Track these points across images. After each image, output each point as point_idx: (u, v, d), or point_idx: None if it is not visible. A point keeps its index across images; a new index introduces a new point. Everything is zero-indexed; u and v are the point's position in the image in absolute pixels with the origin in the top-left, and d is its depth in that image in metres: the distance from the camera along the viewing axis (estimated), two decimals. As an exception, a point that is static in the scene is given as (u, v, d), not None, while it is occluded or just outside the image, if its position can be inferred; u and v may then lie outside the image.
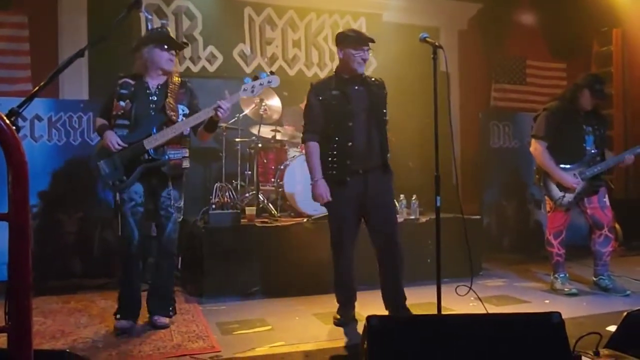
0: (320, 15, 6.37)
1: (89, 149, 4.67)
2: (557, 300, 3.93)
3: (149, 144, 3.14)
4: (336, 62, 6.42)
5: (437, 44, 2.88)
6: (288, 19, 6.28)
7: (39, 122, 4.59)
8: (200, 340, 3.01)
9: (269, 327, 3.31)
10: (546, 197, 4.24)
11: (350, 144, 3.17)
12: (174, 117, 3.18)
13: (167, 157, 3.18)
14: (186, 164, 3.28)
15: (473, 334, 1.94)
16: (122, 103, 3.18)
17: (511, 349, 1.93)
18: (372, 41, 3.23)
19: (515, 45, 7.13)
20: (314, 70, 6.38)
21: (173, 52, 3.26)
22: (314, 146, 3.25)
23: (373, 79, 3.35)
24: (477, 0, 6.78)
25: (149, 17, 5.50)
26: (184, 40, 5.30)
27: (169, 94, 3.23)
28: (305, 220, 4.51)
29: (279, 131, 5.35)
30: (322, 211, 4.61)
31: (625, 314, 2.30)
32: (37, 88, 1.98)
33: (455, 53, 6.81)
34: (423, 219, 4.74)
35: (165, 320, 3.27)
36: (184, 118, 3.21)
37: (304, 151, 5.08)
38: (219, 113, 3.10)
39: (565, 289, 4.11)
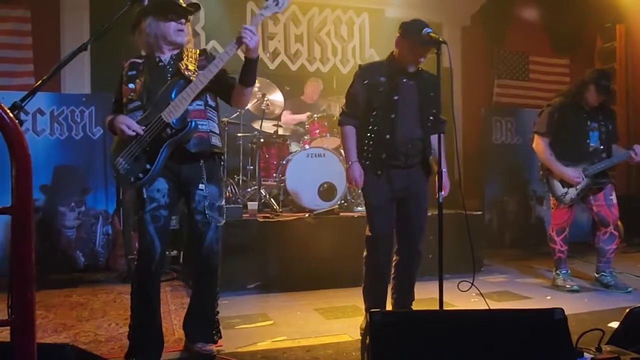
0: (322, 10, 6.36)
1: (90, 142, 4.70)
2: (558, 297, 3.93)
3: (169, 114, 2.46)
4: (339, 57, 6.55)
5: (441, 39, 2.84)
6: (290, 14, 6.27)
7: (41, 116, 4.60)
8: (202, 334, 3.00)
9: (271, 322, 3.31)
10: (550, 194, 4.24)
11: (388, 136, 2.91)
12: (192, 78, 2.51)
13: (193, 123, 2.49)
14: (215, 140, 2.62)
15: (475, 330, 1.94)
16: (131, 85, 2.56)
17: (513, 345, 1.93)
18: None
19: (518, 41, 7.12)
20: (316, 65, 6.37)
21: (182, 20, 2.59)
22: (351, 130, 3.02)
23: (429, 75, 3.04)
24: (480, -4, 6.77)
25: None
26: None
27: (183, 61, 2.58)
28: (307, 215, 4.51)
29: (280, 126, 5.35)
30: (324, 207, 4.63)
31: (627, 310, 2.29)
32: (39, 82, 1.98)
33: (458, 49, 6.80)
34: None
35: (212, 347, 2.66)
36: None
37: (306, 145, 5.13)
38: (245, 41, 2.41)
39: (567, 286, 4.10)
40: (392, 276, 3.13)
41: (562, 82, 6.95)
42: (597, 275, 4.18)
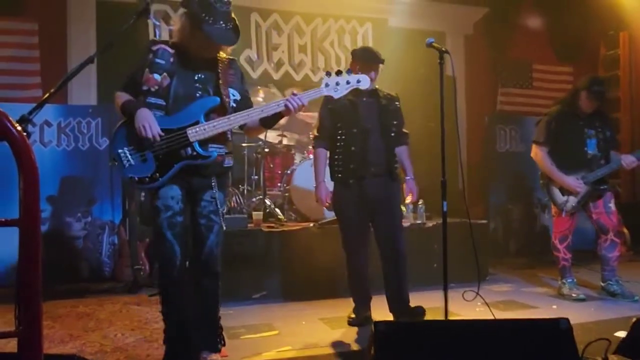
0: (326, 20, 6.40)
1: (97, 153, 4.74)
2: (564, 306, 3.91)
3: (196, 135, 2.41)
4: (342, 67, 6.52)
5: (443, 49, 2.89)
6: (294, 24, 6.31)
7: (48, 128, 4.64)
8: (207, 344, 3.01)
9: (276, 332, 3.31)
10: (551, 202, 4.23)
11: (353, 148, 3.31)
12: (227, 104, 2.51)
13: (215, 153, 2.49)
14: (228, 161, 2.63)
15: (481, 339, 1.94)
16: (156, 76, 2.44)
17: (519, 356, 1.93)
18: (382, 62, 3.38)
19: (522, 49, 7.13)
20: (320, 75, 6.40)
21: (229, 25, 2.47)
22: (321, 152, 3.47)
23: (386, 93, 3.49)
24: (482, 4, 6.79)
25: (157, 23, 5.55)
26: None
27: (219, 73, 2.55)
28: (312, 225, 4.52)
29: (285, 136, 5.37)
30: (329, 216, 4.64)
31: (634, 319, 2.28)
32: (47, 95, 2.01)
33: (462, 57, 6.81)
34: (429, 224, 4.73)
35: (216, 356, 2.64)
36: (234, 105, 2.57)
37: (311, 155, 5.14)
38: (290, 107, 2.47)
39: (573, 295, 4.08)
40: (384, 283, 3.39)
41: (566, 90, 6.89)
42: (603, 284, 4.16)
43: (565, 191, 4.06)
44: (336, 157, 3.39)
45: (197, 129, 2.41)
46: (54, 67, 5.22)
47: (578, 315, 3.49)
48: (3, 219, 1.27)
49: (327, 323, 3.51)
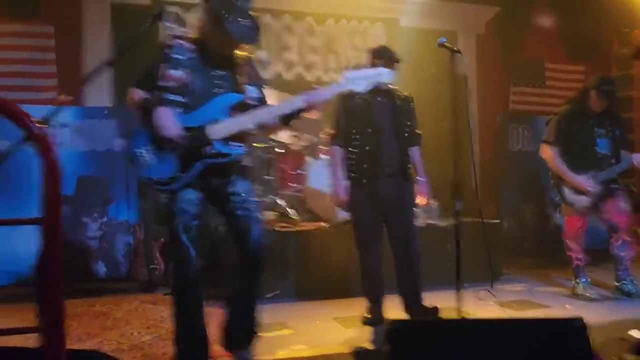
0: (338, 20, 6.42)
1: (112, 154, 4.79)
2: (578, 306, 3.89)
3: (216, 133, 2.36)
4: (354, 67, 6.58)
5: (455, 49, 2.90)
6: (306, 25, 6.33)
7: (64, 129, 4.70)
8: (222, 343, 3.04)
9: (290, 331, 3.33)
10: (562, 202, 4.21)
11: (367, 148, 3.32)
12: (247, 101, 2.47)
13: (236, 152, 2.44)
14: (247, 161, 2.63)
15: (496, 338, 1.94)
16: (174, 72, 2.37)
17: (533, 354, 1.92)
18: (399, 61, 3.36)
19: (534, 47, 7.08)
20: (331, 75, 6.42)
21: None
22: (337, 151, 3.45)
23: (400, 94, 3.46)
24: (494, 3, 6.76)
25: (169, 25, 5.60)
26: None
27: (238, 70, 2.50)
28: (325, 225, 4.53)
29: (297, 136, 5.39)
30: (342, 217, 4.65)
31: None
32: (68, 97, 2.05)
33: (473, 56, 6.80)
34: (442, 223, 4.73)
35: (252, 357, 2.62)
36: (253, 103, 2.52)
37: (323, 156, 5.15)
38: (311, 102, 2.45)
39: (587, 294, 4.06)
40: (397, 283, 3.38)
41: (578, 89, 6.88)
42: (617, 284, 4.13)
43: (577, 191, 4.04)
44: (350, 156, 3.39)
45: (218, 126, 2.36)
46: (69, 70, 5.28)
47: (592, 315, 3.47)
48: (27, 218, 1.31)
49: (341, 322, 3.52)
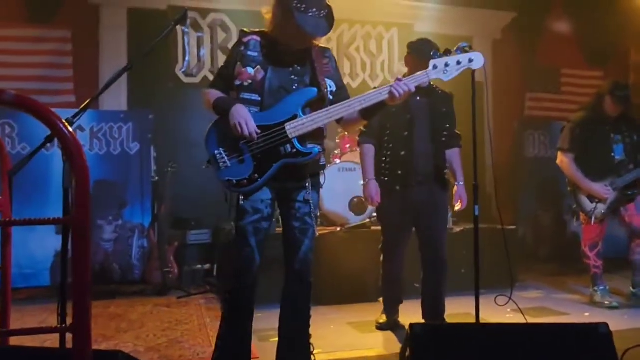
0: (352, 26, 6.42)
1: (128, 158, 4.83)
2: (597, 313, 3.84)
3: (295, 130, 2.23)
4: (368, 72, 6.58)
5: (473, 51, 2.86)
6: (321, 30, 6.34)
7: (81, 132, 4.76)
8: (238, 346, 3.03)
9: (305, 335, 3.31)
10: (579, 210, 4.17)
11: (403, 153, 3.17)
12: (326, 96, 2.32)
13: (315, 150, 2.28)
14: (324, 160, 2.46)
15: (518, 343, 1.92)
16: (249, 69, 2.28)
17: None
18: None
19: (550, 53, 7.04)
20: (345, 80, 6.38)
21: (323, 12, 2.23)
22: (368, 148, 3.27)
23: (440, 92, 3.27)
24: (511, 9, 6.73)
25: (186, 30, 5.65)
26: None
27: (314, 63, 2.35)
28: (339, 229, 4.52)
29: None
30: (356, 221, 4.64)
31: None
32: (89, 100, 2.08)
33: (490, 62, 6.75)
34: (457, 229, 4.70)
35: None
36: (331, 97, 2.36)
37: (337, 160, 5.15)
38: (395, 94, 2.26)
39: (606, 302, 4.01)
40: (421, 289, 3.32)
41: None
42: (634, 290, 4.08)
43: (593, 198, 4.00)
44: (384, 159, 3.24)
45: (296, 123, 2.23)
46: (86, 74, 5.34)
47: (612, 322, 3.34)
48: (56, 217, 1.32)
49: (356, 327, 3.51)
